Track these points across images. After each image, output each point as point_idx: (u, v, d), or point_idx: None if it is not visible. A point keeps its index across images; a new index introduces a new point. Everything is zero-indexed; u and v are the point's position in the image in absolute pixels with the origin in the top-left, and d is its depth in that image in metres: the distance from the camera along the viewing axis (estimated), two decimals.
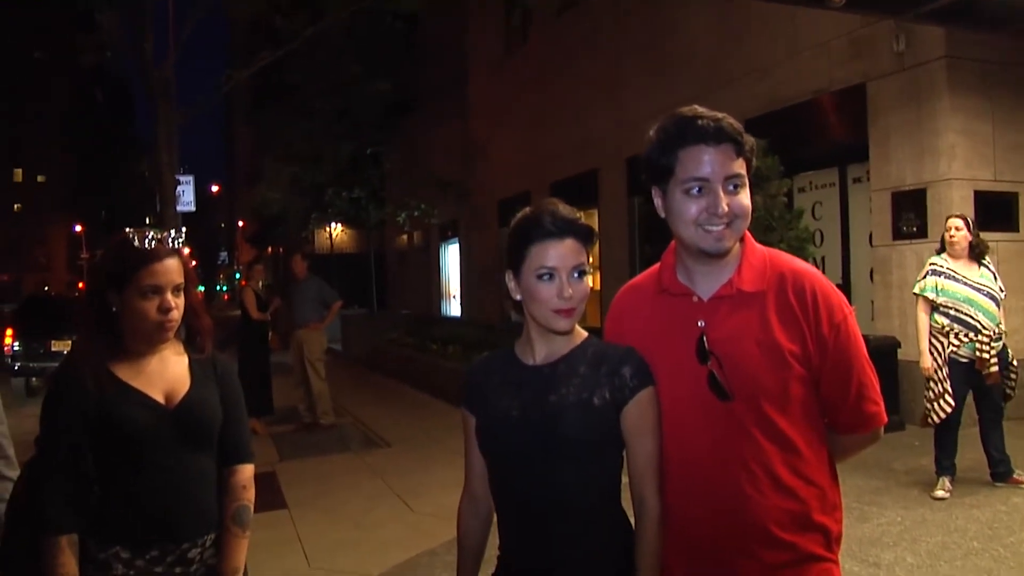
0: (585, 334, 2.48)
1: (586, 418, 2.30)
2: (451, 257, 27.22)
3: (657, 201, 2.38)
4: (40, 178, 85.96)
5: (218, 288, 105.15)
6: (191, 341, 2.91)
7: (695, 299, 2.36)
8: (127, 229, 2.78)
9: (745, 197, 2.25)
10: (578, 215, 2.40)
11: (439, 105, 25.81)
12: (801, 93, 11.53)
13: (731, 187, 2.23)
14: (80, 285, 75.42)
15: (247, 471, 2.92)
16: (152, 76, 13.84)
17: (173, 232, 2.79)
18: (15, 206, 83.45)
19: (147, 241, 2.72)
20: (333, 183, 24.22)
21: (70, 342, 16.97)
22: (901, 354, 9.53)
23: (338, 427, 11.90)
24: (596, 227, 15.85)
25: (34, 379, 17.88)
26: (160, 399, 2.74)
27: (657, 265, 2.56)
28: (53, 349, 17.14)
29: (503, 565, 2.48)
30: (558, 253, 2.33)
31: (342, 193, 24.02)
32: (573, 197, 12.56)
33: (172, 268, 2.73)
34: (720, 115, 2.25)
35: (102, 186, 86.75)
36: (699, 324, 2.31)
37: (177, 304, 2.75)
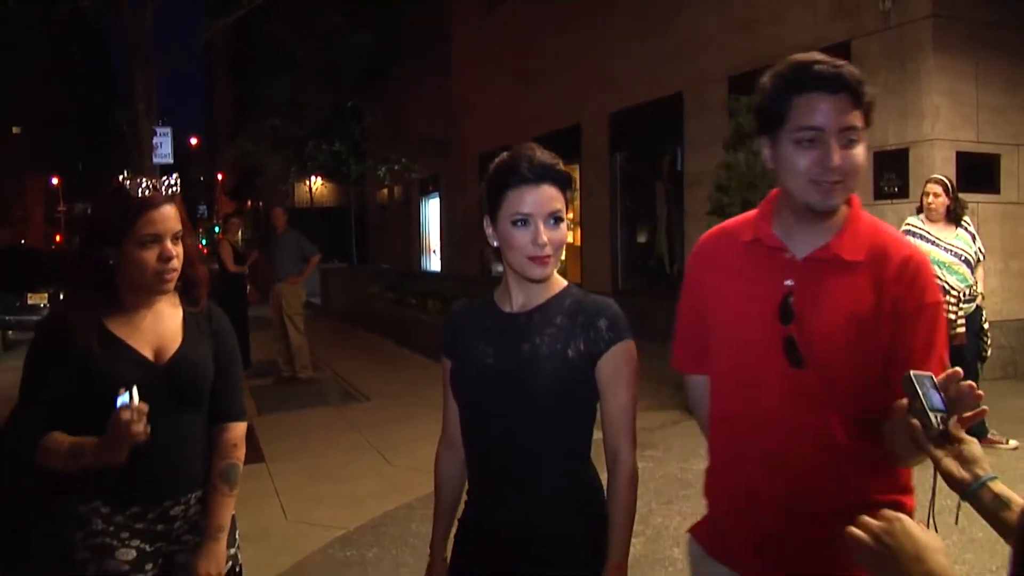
0: (564, 283, 2.46)
1: (558, 369, 2.29)
2: (431, 212, 27.13)
3: (765, 151, 2.21)
4: (15, 130, 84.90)
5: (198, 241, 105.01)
6: (186, 292, 2.84)
7: (788, 255, 2.19)
8: (120, 177, 2.67)
9: (861, 153, 2.09)
10: (556, 160, 2.35)
11: (422, 60, 25.59)
12: (786, 50, 11.42)
13: (846, 141, 2.06)
14: (57, 238, 75.15)
15: (238, 429, 2.86)
16: (129, 25, 13.63)
17: (168, 178, 2.69)
18: None
19: (142, 188, 2.61)
20: (313, 136, 24.04)
21: (46, 295, 16.95)
22: None
23: (317, 381, 11.91)
24: (578, 182, 15.81)
25: (10, 332, 17.79)
26: (150, 356, 2.69)
27: (753, 212, 2.36)
28: (29, 302, 17.05)
29: (468, 510, 2.50)
30: (534, 199, 2.29)
31: (322, 146, 23.86)
32: (556, 152, 12.45)
33: (170, 215, 2.64)
34: (841, 63, 2.11)
35: (79, 138, 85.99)
36: (787, 283, 2.16)
37: (177, 253, 2.66)
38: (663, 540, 5.54)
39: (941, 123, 9.65)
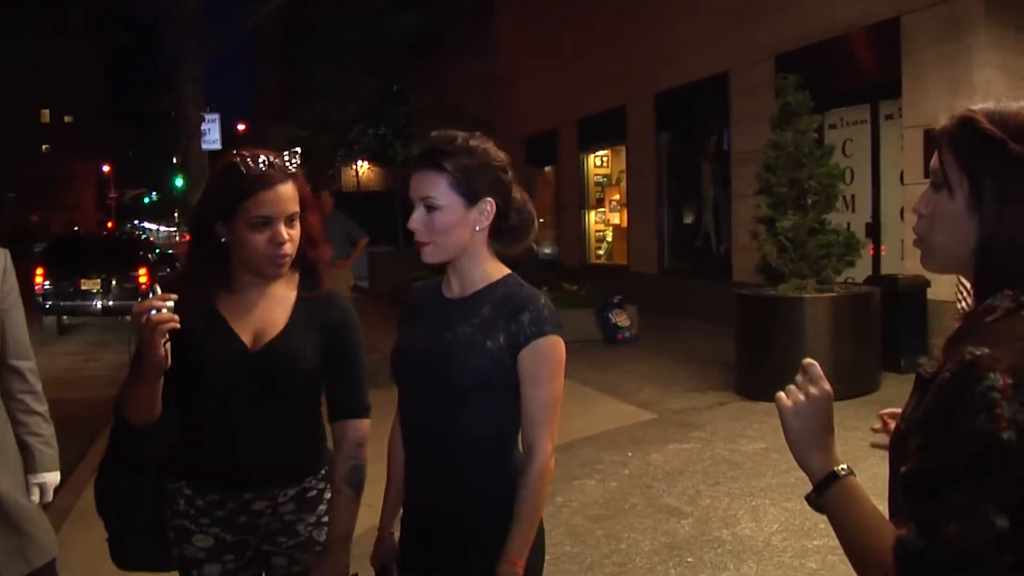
0: (506, 271, 2.42)
1: (473, 360, 2.28)
2: None
3: None
4: (67, 118, 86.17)
5: None
6: (305, 276, 2.69)
7: None
8: (235, 152, 2.55)
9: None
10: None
11: (465, 40, 25.55)
12: (833, 27, 11.33)
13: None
14: (108, 224, 76.08)
15: (360, 427, 2.66)
16: (177, 10, 13.76)
17: (288, 154, 2.58)
18: (43, 147, 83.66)
19: (259, 165, 2.49)
20: (359, 120, 24.10)
21: (99, 280, 17.18)
22: (931, 293, 9.44)
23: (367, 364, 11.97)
24: (624, 163, 15.78)
25: (64, 317, 18.06)
26: (248, 339, 2.57)
27: None
28: (82, 288, 17.25)
29: (404, 489, 2.52)
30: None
31: (368, 130, 23.92)
32: (600, 133, 12.42)
33: (285, 196, 2.51)
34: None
35: (129, 125, 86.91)
36: None
37: (291, 236, 2.52)
38: (711, 521, 5.53)
39: (993, 98, 9.43)
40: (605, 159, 19.20)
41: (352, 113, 24.12)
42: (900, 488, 1.35)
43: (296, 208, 2.53)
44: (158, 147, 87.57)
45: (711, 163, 14.87)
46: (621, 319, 12.33)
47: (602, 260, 19.29)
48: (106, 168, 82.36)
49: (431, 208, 2.28)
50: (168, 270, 24.63)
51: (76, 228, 67.14)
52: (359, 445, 2.64)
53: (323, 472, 2.71)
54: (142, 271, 17.96)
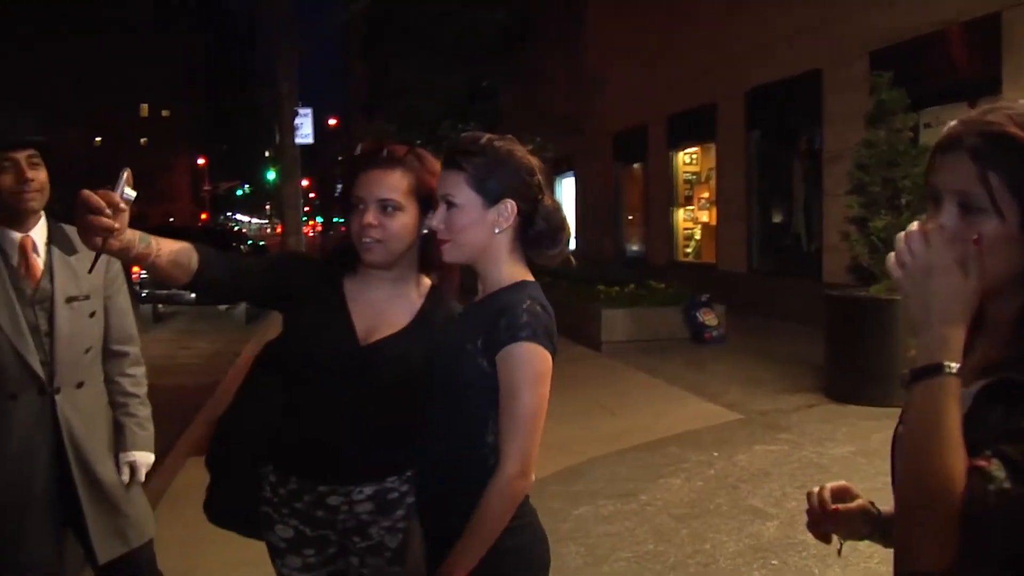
0: (522, 278, 2.36)
1: (451, 364, 2.28)
2: (565, 191, 27.13)
3: None
4: (164, 112, 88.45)
5: (335, 220, 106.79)
6: (441, 280, 2.68)
7: None
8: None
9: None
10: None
11: (555, 36, 25.51)
12: (930, 22, 11.09)
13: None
14: (203, 216, 77.78)
15: None
16: (273, 9, 14.01)
17: (409, 147, 2.56)
18: (141, 140, 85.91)
19: (369, 149, 2.51)
20: (447, 116, 24.22)
21: None
22: None
23: None
24: (714, 161, 15.66)
25: (160, 306, 18.50)
26: (361, 332, 2.54)
27: None
28: None
29: None
30: None
31: (457, 126, 24.02)
32: (690, 131, 12.34)
33: (379, 180, 2.47)
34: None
35: (224, 120, 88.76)
36: None
37: (382, 223, 2.45)
38: (797, 525, 5.46)
39: None
40: (694, 156, 19.07)
41: (441, 109, 24.21)
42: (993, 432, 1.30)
43: (394, 197, 2.45)
44: (251, 141, 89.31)
45: (802, 161, 14.66)
46: (709, 318, 12.24)
47: (690, 258, 19.16)
48: (201, 161, 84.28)
49: (450, 205, 2.27)
50: None
51: (172, 219, 68.79)
52: None
53: (408, 474, 2.61)
54: None
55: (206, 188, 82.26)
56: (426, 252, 2.57)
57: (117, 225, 2.05)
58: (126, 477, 3.30)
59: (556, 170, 26.94)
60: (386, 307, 2.59)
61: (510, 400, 2.18)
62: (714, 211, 17.61)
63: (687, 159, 19.27)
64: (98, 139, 75.00)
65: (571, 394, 9.54)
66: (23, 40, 54.37)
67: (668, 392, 9.37)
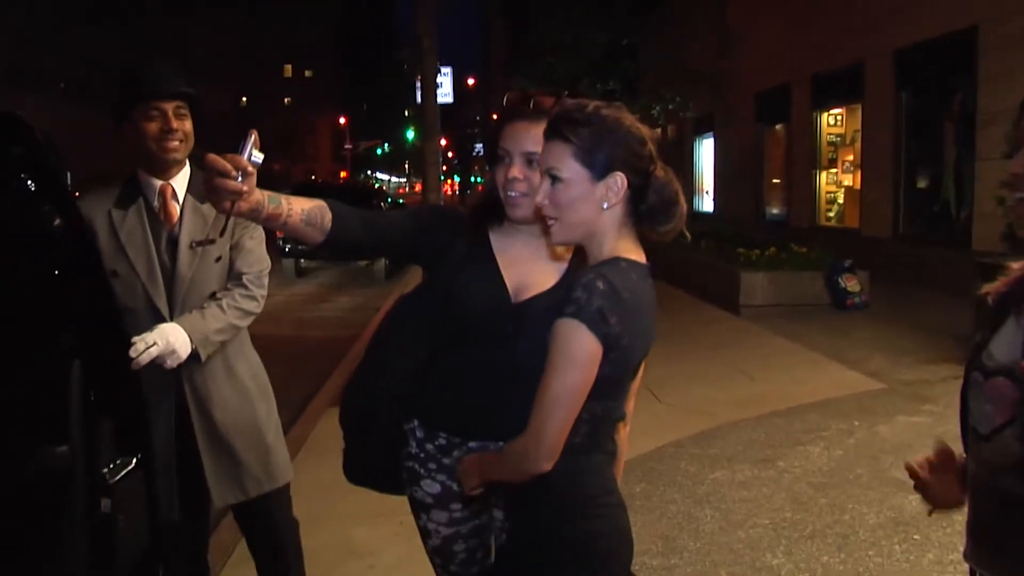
0: (619, 254, 2.21)
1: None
2: (705, 152, 26.79)
3: None
4: (308, 73, 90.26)
5: (472, 180, 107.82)
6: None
7: None
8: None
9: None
10: None
11: None
12: None
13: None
14: (343, 174, 79.38)
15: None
16: None
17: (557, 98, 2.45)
18: (285, 100, 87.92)
19: (516, 99, 2.47)
20: (587, 75, 24.08)
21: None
22: None
23: None
24: (860, 122, 15.19)
25: (302, 260, 19.02)
26: (511, 288, 2.51)
27: None
28: None
29: None
30: None
31: (596, 85, 23.87)
32: (835, 91, 12.05)
33: (527, 134, 2.40)
34: None
35: (365, 80, 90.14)
36: None
37: (528, 177, 2.41)
38: None
39: None
40: (839, 118, 18.53)
41: (581, 68, 24.07)
42: None
43: (536, 149, 2.32)
44: (391, 101, 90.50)
45: (954, 123, 14.09)
46: (851, 284, 11.94)
47: (832, 222, 18.68)
48: (342, 120, 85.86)
49: (555, 180, 2.15)
50: None
51: (314, 177, 70.39)
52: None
53: None
54: None
55: (347, 147, 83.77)
56: None
57: (245, 188, 2.07)
58: (135, 351, 2.96)
59: (696, 131, 26.61)
60: (533, 265, 2.53)
61: (544, 378, 2.07)
62: (858, 174, 17.10)
63: (831, 120, 18.73)
64: (244, 99, 76.92)
65: (709, 356, 9.49)
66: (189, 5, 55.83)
67: (808, 358, 9.21)
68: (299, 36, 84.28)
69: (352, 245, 2.45)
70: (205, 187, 2.12)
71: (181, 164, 3.29)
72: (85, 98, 20.24)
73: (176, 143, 3.19)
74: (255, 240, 3.37)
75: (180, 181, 3.29)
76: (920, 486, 1.93)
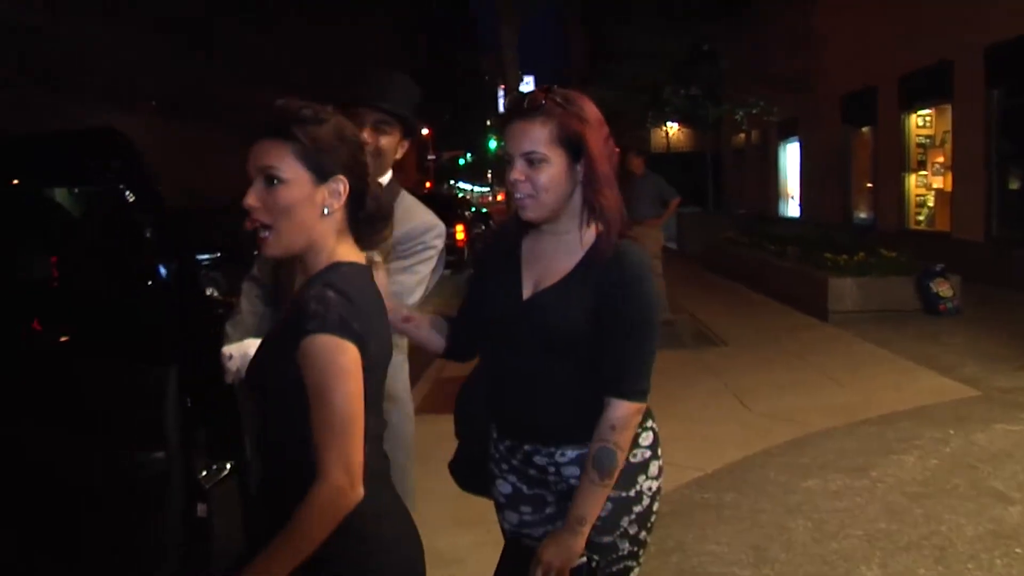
0: (335, 259, 2.11)
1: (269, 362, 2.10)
2: (790, 156, 26.49)
3: None
4: None
5: None
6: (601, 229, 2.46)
7: None
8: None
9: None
10: None
11: None
12: None
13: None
14: (428, 184, 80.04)
15: (621, 409, 2.36)
16: None
17: (544, 89, 2.41)
18: None
19: (511, 101, 2.47)
20: (669, 81, 23.95)
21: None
22: None
23: (674, 323, 11.94)
24: (950, 123, 14.87)
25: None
26: (529, 287, 2.49)
27: None
28: None
29: None
30: None
31: (679, 91, 23.73)
32: (924, 91, 11.82)
33: (519, 132, 2.37)
34: None
35: (446, 90, 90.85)
36: None
37: (529, 177, 2.36)
38: None
39: None
40: (928, 119, 18.16)
41: (662, 74, 23.94)
42: None
43: (537, 148, 2.34)
44: (473, 111, 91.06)
45: None
46: (943, 289, 11.68)
47: (922, 226, 18.31)
48: (425, 131, 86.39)
49: (273, 181, 2.03)
50: (483, 227, 25.59)
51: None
52: (613, 428, 2.35)
53: None
54: (459, 228, 18.70)
55: (431, 157, 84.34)
56: (587, 200, 2.42)
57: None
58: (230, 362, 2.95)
59: (780, 135, 26.32)
60: (552, 261, 2.48)
61: (318, 404, 1.90)
62: (949, 176, 16.74)
63: (920, 121, 18.37)
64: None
65: (797, 364, 9.36)
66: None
67: (899, 365, 9.03)
68: (381, 47, 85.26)
69: (471, 343, 2.69)
70: None
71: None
72: (179, 115, 20.68)
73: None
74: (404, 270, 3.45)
75: None
76: None
